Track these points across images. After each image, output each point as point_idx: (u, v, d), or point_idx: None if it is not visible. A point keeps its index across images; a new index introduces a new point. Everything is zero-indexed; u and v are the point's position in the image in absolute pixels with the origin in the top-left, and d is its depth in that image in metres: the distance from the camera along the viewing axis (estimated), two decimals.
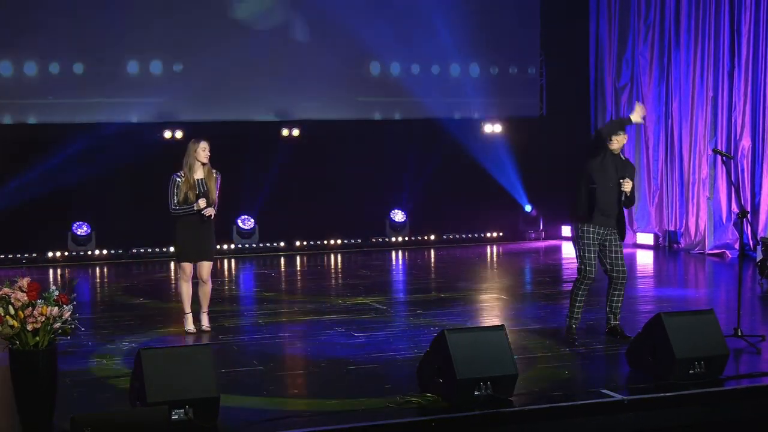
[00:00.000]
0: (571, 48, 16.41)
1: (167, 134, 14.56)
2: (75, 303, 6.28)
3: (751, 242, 13.34)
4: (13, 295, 6.05)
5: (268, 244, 15.31)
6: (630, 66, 15.74)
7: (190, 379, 6.13)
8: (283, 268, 13.94)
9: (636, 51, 15.59)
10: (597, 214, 8.25)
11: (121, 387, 6.93)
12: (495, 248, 15.90)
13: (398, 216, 16.02)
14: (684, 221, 15.04)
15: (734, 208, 14.12)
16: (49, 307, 6.05)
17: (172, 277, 13.02)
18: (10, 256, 14.06)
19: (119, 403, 6.58)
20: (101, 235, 14.52)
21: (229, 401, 6.56)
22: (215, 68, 14.61)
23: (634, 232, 15.78)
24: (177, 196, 8.75)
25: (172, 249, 14.31)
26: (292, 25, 15.15)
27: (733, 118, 14.23)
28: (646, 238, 15.57)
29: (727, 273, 12.89)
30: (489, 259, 14.73)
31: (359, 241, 15.77)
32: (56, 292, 6.15)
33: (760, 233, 13.47)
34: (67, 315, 6.13)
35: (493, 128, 16.28)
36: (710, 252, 14.30)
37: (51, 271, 13.53)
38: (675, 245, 15.21)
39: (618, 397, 6.68)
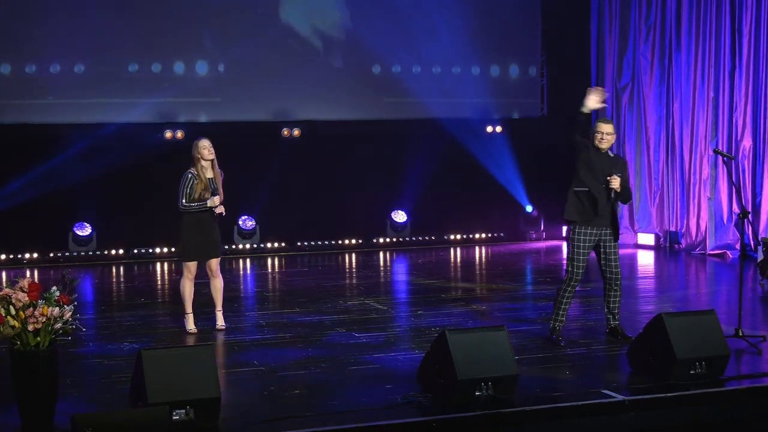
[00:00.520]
0: (572, 48, 16.41)
1: (168, 135, 14.56)
2: (76, 303, 6.29)
3: (752, 242, 13.34)
4: (14, 295, 6.05)
5: (268, 245, 15.31)
6: (631, 66, 15.74)
7: (191, 380, 6.14)
8: (283, 269, 13.93)
9: (637, 51, 15.59)
10: (590, 215, 8.20)
11: (122, 387, 6.93)
12: (495, 248, 15.89)
13: (399, 216, 16.02)
14: (685, 221, 15.04)
15: (735, 208, 14.12)
16: (50, 308, 6.06)
17: (174, 278, 13.02)
18: (11, 256, 14.06)
19: (120, 404, 6.59)
20: (102, 236, 14.52)
21: (230, 402, 6.57)
22: (216, 69, 14.62)
23: (635, 233, 15.78)
24: (191, 194, 8.76)
25: (173, 249, 14.55)
26: (293, 25, 15.13)
27: (734, 118, 14.23)
28: (647, 238, 15.56)
29: (728, 273, 12.88)
30: (489, 260, 14.73)
31: (360, 241, 15.76)
32: (57, 293, 6.15)
33: (761, 234, 13.47)
34: (68, 315, 6.14)
35: (493, 128, 16.27)
36: (711, 252, 14.30)
37: (52, 271, 13.52)
38: (676, 245, 15.20)
39: (619, 397, 6.69)
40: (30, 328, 6.02)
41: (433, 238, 16.17)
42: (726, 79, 14.30)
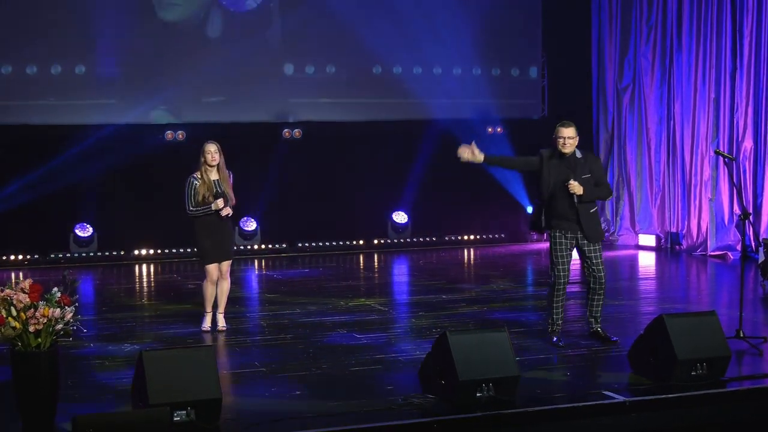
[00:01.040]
0: (572, 49, 16.40)
1: (169, 135, 14.56)
2: (77, 304, 6.29)
3: (753, 244, 13.33)
4: (15, 296, 6.06)
5: (269, 246, 15.31)
6: (632, 67, 15.74)
7: (192, 381, 6.14)
8: (284, 270, 13.93)
9: (638, 52, 15.59)
10: (560, 220, 8.12)
11: (123, 388, 6.93)
12: (497, 250, 15.88)
13: (400, 217, 16.02)
14: (686, 223, 15.03)
15: (736, 209, 14.12)
16: (51, 309, 6.06)
17: (175, 279, 13.03)
18: (12, 257, 14.06)
19: (121, 405, 6.59)
20: (104, 237, 14.52)
21: (231, 403, 6.57)
22: (217, 69, 14.61)
23: (636, 234, 15.78)
24: (195, 197, 8.83)
25: (174, 250, 14.56)
26: (294, 27, 15.13)
27: (735, 119, 14.23)
28: (648, 239, 15.56)
29: (729, 274, 12.88)
30: (491, 261, 14.72)
31: (361, 242, 15.76)
32: (58, 294, 6.16)
33: (762, 235, 13.46)
34: (69, 316, 6.14)
35: (494, 129, 16.26)
36: (712, 253, 14.29)
37: (53, 272, 13.52)
38: (677, 247, 15.20)
39: (620, 398, 6.69)
40: (31, 329, 6.02)
41: (433, 239, 16.17)
42: (727, 80, 14.30)
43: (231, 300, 10.16)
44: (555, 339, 8.31)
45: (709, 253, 14.33)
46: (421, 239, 16.08)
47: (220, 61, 14.58)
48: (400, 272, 14.04)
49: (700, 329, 7.20)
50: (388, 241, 15.93)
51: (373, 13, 15.02)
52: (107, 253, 14.53)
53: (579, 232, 8.14)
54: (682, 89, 14.96)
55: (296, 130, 15.29)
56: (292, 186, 15.20)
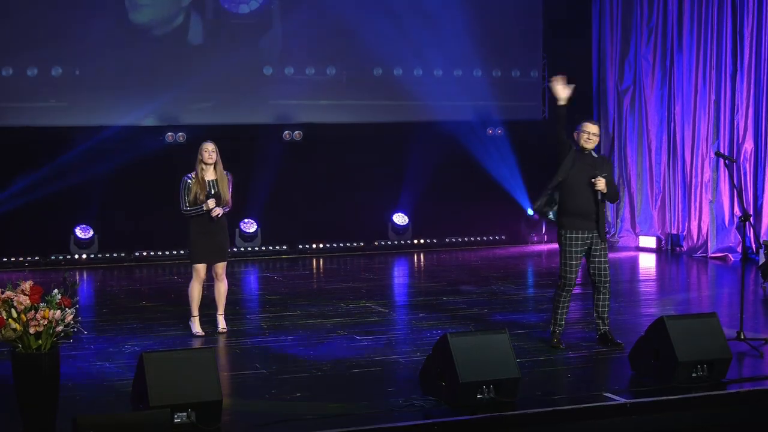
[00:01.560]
0: (573, 51, 16.39)
1: (169, 137, 14.56)
2: (77, 306, 6.29)
3: (753, 245, 13.33)
4: (15, 298, 6.05)
5: (270, 248, 15.31)
6: (632, 69, 15.74)
7: (192, 383, 6.14)
8: (285, 272, 13.93)
9: (638, 54, 15.59)
10: (577, 219, 8.12)
11: (123, 390, 6.93)
12: (497, 251, 15.89)
13: (400, 219, 16.01)
14: (686, 224, 15.03)
15: (737, 211, 14.12)
16: (52, 311, 6.06)
17: (175, 280, 13.03)
18: (13, 259, 14.06)
19: (122, 406, 6.59)
20: (104, 238, 14.52)
21: (232, 405, 6.57)
22: (218, 71, 14.62)
23: (637, 236, 15.78)
24: (188, 196, 8.83)
25: (174, 252, 14.56)
26: (295, 28, 15.14)
27: (735, 121, 14.23)
28: (648, 241, 15.55)
29: (730, 276, 12.88)
30: (491, 263, 14.72)
31: (361, 244, 15.75)
32: (59, 295, 6.15)
33: (763, 236, 13.46)
34: (69, 318, 6.14)
35: (493, 130, 16.26)
36: (713, 255, 14.29)
37: (53, 274, 13.52)
38: (677, 248, 15.19)
39: (621, 400, 6.68)
40: (31, 330, 6.02)
41: (434, 240, 16.16)
42: (727, 82, 14.31)
43: (231, 301, 10.18)
44: (556, 341, 8.30)
45: (709, 255, 14.33)
46: (421, 241, 16.08)
47: (221, 62, 14.57)
48: (401, 274, 14.04)
49: (701, 331, 7.20)
50: (389, 242, 15.92)
51: (373, 15, 15.02)
52: (108, 255, 14.53)
53: (594, 231, 8.13)
54: (682, 91, 14.96)
55: (297, 132, 15.28)
56: (292, 188, 15.20)
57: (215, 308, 9.22)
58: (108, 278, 13.39)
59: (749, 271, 12.10)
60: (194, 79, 14.48)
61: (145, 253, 14.66)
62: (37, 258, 14.18)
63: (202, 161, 8.94)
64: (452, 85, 15.90)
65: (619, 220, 16.07)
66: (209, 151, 8.93)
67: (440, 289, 11.95)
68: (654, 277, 13.49)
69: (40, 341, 6.08)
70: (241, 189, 14.21)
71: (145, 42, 14.44)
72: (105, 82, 14.26)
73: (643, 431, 6.58)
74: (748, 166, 14.09)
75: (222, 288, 9.15)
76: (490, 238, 16.52)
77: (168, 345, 8.66)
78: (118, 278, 13.36)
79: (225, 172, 9.04)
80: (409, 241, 16.01)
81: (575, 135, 8.23)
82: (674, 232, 15.31)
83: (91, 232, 14.48)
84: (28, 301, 6.04)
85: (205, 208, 8.85)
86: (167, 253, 14.61)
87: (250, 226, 15.18)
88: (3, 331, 6.01)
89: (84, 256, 14.39)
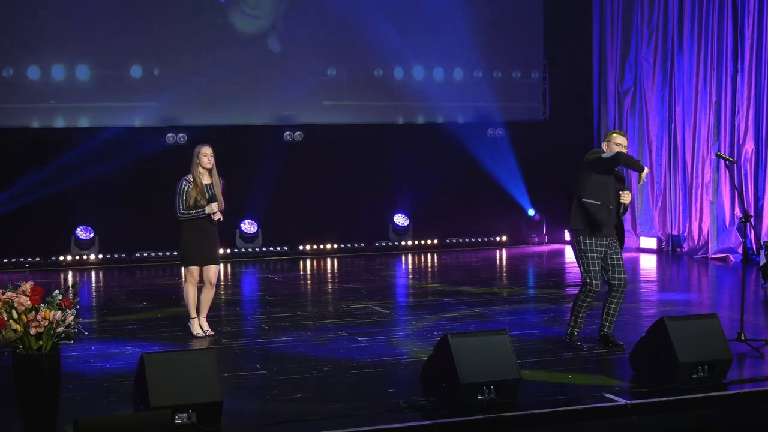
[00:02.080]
0: (574, 52, 16.41)
1: (170, 138, 14.57)
2: (78, 307, 6.29)
3: (754, 246, 13.33)
4: (16, 299, 6.05)
5: (271, 248, 15.31)
6: (633, 70, 15.74)
7: (193, 384, 6.14)
8: (286, 273, 13.94)
9: (639, 55, 15.59)
10: (599, 227, 8.13)
11: (124, 391, 6.93)
12: (498, 252, 15.89)
13: (401, 220, 16.02)
14: (687, 225, 15.03)
15: (737, 212, 14.12)
16: (53, 312, 6.06)
17: (176, 282, 13.03)
18: (14, 260, 14.07)
19: (122, 408, 6.58)
20: (104, 239, 14.53)
21: (233, 405, 6.56)
22: (219, 72, 14.62)
23: (638, 237, 15.78)
24: (186, 201, 8.79)
25: (175, 253, 14.54)
26: (296, 29, 15.14)
27: (736, 122, 14.23)
28: (649, 242, 15.56)
29: (731, 277, 12.88)
30: (492, 263, 14.72)
31: (362, 245, 15.77)
32: (59, 296, 6.15)
33: (764, 237, 13.46)
34: (70, 319, 6.14)
35: (494, 132, 16.27)
36: (713, 256, 14.29)
37: (54, 275, 13.53)
38: (678, 249, 15.20)
39: (621, 401, 6.68)
40: (32, 331, 6.02)
41: (435, 241, 16.17)
42: (728, 83, 14.31)
43: (232, 303, 10.21)
44: (573, 342, 8.27)
45: (710, 256, 14.33)
46: (422, 242, 16.08)
47: (221, 63, 14.59)
48: (401, 275, 14.04)
49: (702, 332, 7.19)
50: (389, 243, 15.93)
51: (374, 16, 15.03)
52: (108, 256, 14.54)
53: (612, 237, 8.19)
54: (683, 92, 14.97)
55: (297, 132, 15.29)
56: (293, 189, 15.21)
57: (217, 309, 9.19)
58: (109, 279, 13.40)
59: (750, 272, 12.10)
60: (195, 79, 14.48)
61: (145, 254, 14.67)
62: (38, 259, 14.19)
63: (200, 165, 8.91)
64: (453, 86, 15.91)
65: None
66: (208, 155, 8.90)
67: (441, 289, 11.95)
68: (654, 278, 13.49)
69: (40, 342, 6.08)
70: (242, 190, 14.26)
71: (145, 43, 14.44)
72: (105, 82, 14.27)
73: None
74: (748, 167, 14.09)
75: (211, 294, 9.10)
76: (491, 238, 16.53)
77: (168, 346, 8.66)
78: (118, 279, 13.37)
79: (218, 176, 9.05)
80: (409, 242, 16.02)
81: (605, 146, 8.24)
82: (675, 233, 15.32)
83: (92, 233, 14.49)
84: (29, 302, 6.05)
85: (208, 211, 8.84)
86: (168, 254, 14.62)
87: (250, 227, 15.18)
88: (4, 332, 6.01)
89: (85, 257, 14.39)
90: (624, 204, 8.20)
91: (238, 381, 7.45)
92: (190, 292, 9.02)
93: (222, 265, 13.35)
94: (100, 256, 14.50)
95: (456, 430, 6.25)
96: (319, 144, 15.28)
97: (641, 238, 15.72)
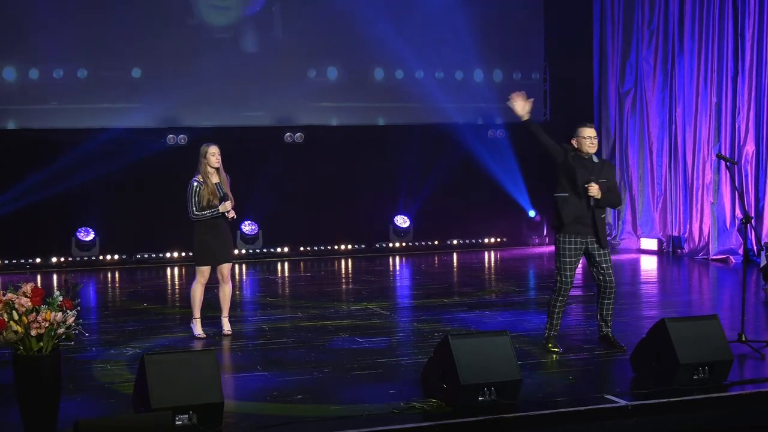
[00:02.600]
0: (574, 53, 16.41)
1: (171, 140, 14.57)
2: (79, 308, 6.29)
3: (755, 247, 13.33)
4: (17, 300, 6.05)
5: (271, 250, 15.31)
6: (634, 71, 15.74)
7: (194, 385, 6.14)
8: (286, 274, 13.94)
9: (640, 56, 15.59)
10: (572, 224, 8.05)
11: (124, 392, 6.94)
12: (498, 253, 15.89)
13: (402, 221, 16.03)
14: (688, 226, 15.03)
15: (738, 213, 14.12)
16: (53, 313, 6.06)
17: (176, 283, 13.03)
18: (15, 261, 14.07)
19: (123, 409, 6.59)
20: (105, 241, 14.53)
21: (233, 407, 6.57)
22: (219, 73, 14.62)
23: (638, 238, 15.78)
24: (199, 202, 8.79)
25: (176, 254, 14.57)
26: (295, 30, 15.15)
27: (736, 123, 14.23)
28: (649, 243, 15.56)
29: (731, 278, 12.87)
30: (492, 265, 14.72)
31: (363, 246, 15.77)
32: (60, 298, 6.15)
33: (764, 238, 13.46)
34: (71, 320, 6.14)
35: (496, 133, 16.26)
36: (714, 257, 14.29)
37: (55, 276, 13.54)
38: (679, 250, 15.19)
39: (622, 402, 6.68)
40: (33, 333, 6.02)
41: (436, 243, 16.17)
42: (729, 84, 14.31)
43: (233, 303, 10.16)
44: (550, 346, 8.27)
45: (711, 257, 14.32)
46: (423, 243, 16.09)
47: (222, 64, 14.59)
48: (402, 276, 14.04)
49: (702, 333, 7.19)
50: (390, 244, 15.93)
51: (375, 17, 15.03)
52: (109, 257, 14.54)
53: (591, 237, 8.07)
54: (683, 93, 14.97)
55: (298, 134, 15.29)
56: (293, 189, 15.21)
57: (219, 310, 9.21)
58: (109, 280, 13.40)
59: (750, 273, 12.09)
60: (195, 80, 14.48)
61: (146, 256, 14.67)
62: (38, 260, 14.19)
63: (208, 164, 8.91)
64: (453, 87, 15.90)
65: (620, 223, 16.08)
66: (216, 155, 8.91)
67: (441, 291, 11.94)
68: (655, 279, 13.49)
69: (41, 343, 6.08)
70: (243, 191, 14.22)
71: (145, 44, 14.45)
72: (106, 83, 14.28)
73: None
74: (749, 168, 14.08)
75: (227, 290, 9.14)
76: (492, 240, 16.53)
77: (169, 347, 8.66)
78: (119, 280, 13.37)
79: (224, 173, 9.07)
80: (410, 243, 16.02)
81: (575, 141, 8.22)
82: (675, 234, 15.32)
83: (93, 235, 14.49)
84: (30, 304, 6.04)
85: (222, 210, 8.85)
86: (168, 255, 14.62)
87: (251, 228, 15.18)
88: (4, 334, 6.01)
89: (86, 258, 14.40)
90: (592, 197, 7.97)
91: (238, 382, 7.45)
92: (197, 292, 9.02)
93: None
94: (101, 257, 14.50)
95: None
96: (319, 145, 15.29)
97: (642, 239, 15.71)
